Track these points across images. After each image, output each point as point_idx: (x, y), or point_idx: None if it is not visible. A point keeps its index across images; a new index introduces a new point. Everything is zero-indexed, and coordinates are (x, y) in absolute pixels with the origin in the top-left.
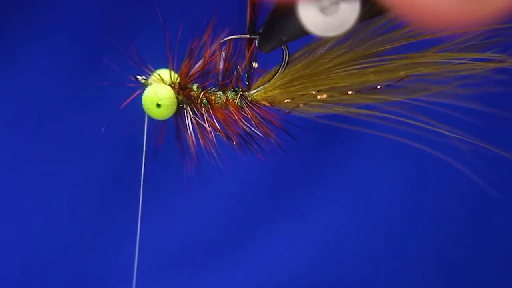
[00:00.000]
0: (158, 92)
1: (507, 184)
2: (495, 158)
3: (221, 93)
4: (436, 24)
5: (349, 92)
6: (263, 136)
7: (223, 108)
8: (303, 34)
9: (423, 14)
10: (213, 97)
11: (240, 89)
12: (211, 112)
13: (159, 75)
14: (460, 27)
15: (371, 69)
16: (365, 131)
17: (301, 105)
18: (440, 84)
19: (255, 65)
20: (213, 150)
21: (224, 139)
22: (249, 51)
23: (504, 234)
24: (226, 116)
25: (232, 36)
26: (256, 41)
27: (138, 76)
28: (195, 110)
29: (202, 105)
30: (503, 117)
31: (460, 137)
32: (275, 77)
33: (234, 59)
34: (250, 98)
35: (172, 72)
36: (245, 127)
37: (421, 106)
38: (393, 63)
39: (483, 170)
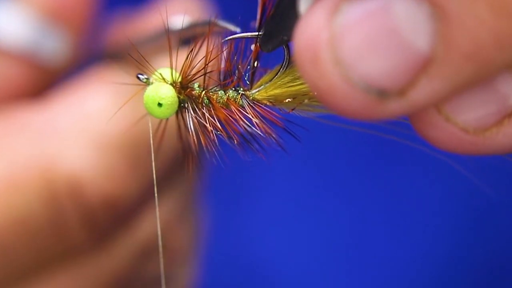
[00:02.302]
0: (160, 91)
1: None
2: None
3: (223, 92)
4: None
5: None
6: (265, 136)
7: (224, 107)
8: None
9: (333, 106)
10: (214, 96)
11: (241, 88)
12: (212, 111)
13: (160, 74)
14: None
15: None
16: (365, 131)
17: (302, 105)
18: None
19: (256, 64)
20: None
21: (225, 138)
22: (255, 50)
23: None
24: (227, 115)
25: (234, 36)
26: (258, 41)
27: (139, 75)
28: (196, 109)
29: (204, 104)
30: None
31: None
32: (276, 76)
33: (235, 58)
34: (251, 97)
35: (174, 71)
36: (246, 126)
37: None
38: None
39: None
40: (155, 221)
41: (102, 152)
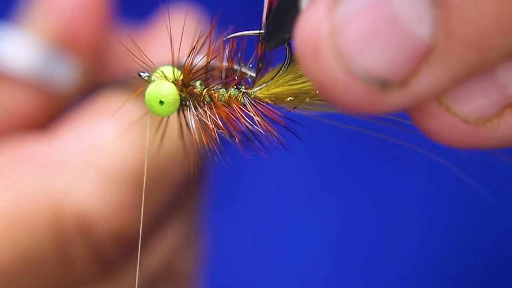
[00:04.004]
0: (161, 89)
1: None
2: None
3: (224, 90)
4: (346, 107)
5: None
6: (266, 134)
7: (226, 105)
8: None
9: (335, 100)
10: (216, 95)
11: (243, 87)
12: (214, 109)
13: (162, 72)
14: (363, 112)
15: None
16: (365, 131)
17: (304, 103)
18: None
19: (260, 63)
20: None
21: (227, 136)
22: (260, 48)
23: None
24: (229, 113)
25: (236, 34)
26: (260, 39)
27: (141, 73)
28: (198, 107)
29: (205, 102)
30: None
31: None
32: (278, 74)
33: (237, 56)
34: (253, 95)
35: (175, 69)
36: (247, 124)
37: None
38: None
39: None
40: (162, 250)
41: (110, 185)
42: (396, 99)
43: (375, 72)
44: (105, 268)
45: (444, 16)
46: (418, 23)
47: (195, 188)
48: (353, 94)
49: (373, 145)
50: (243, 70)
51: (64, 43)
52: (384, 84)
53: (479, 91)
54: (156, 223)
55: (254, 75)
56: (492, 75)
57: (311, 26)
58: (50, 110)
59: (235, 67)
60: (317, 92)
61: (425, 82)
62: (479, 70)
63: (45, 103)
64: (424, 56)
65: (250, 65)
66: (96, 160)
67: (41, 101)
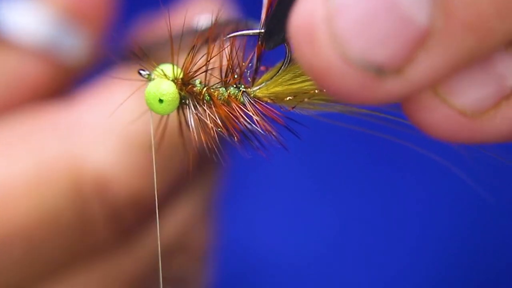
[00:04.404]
0: (161, 88)
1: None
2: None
3: (224, 89)
4: (343, 97)
5: None
6: (265, 133)
7: (225, 104)
8: None
9: (330, 87)
10: (215, 93)
11: (242, 86)
12: (213, 108)
13: (162, 70)
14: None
15: None
16: (364, 131)
17: (303, 103)
18: None
19: (258, 62)
20: None
21: (226, 135)
22: (259, 48)
23: None
24: (228, 112)
25: (236, 33)
26: (259, 38)
27: (141, 71)
28: (197, 106)
29: (205, 101)
30: None
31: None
32: (277, 74)
33: (237, 55)
34: (252, 94)
35: (175, 68)
36: (247, 123)
37: None
38: None
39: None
40: (175, 222)
41: (128, 150)
42: (391, 87)
43: (371, 57)
44: (122, 234)
45: None
46: (416, 7)
47: (209, 165)
48: (348, 81)
49: (373, 145)
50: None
51: (74, 15)
52: (379, 71)
53: (476, 82)
54: (171, 192)
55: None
56: (489, 66)
57: (306, 12)
58: (60, 80)
59: (235, 63)
60: (316, 91)
61: (422, 69)
62: (477, 57)
63: (55, 73)
64: (421, 41)
65: (250, 64)
66: (114, 125)
67: (51, 71)
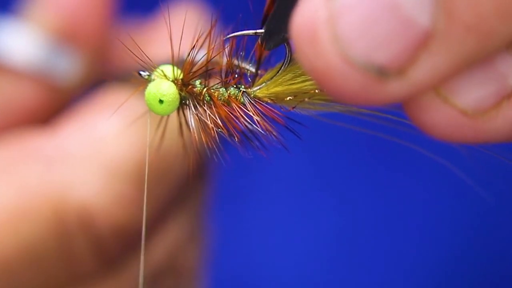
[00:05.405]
0: (161, 88)
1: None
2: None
3: (224, 89)
4: (344, 98)
5: None
6: (265, 134)
7: (225, 104)
8: None
9: (331, 88)
10: (215, 94)
11: (242, 86)
12: (214, 108)
13: (162, 71)
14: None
15: None
16: (365, 131)
17: (303, 103)
18: None
19: (259, 62)
20: None
21: (226, 136)
22: (259, 47)
23: None
24: (229, 112)
25: (236, 33)
26: (259, 38)
27: (141, 72)
28: (198, 107)
29: (205, 101)
30: None
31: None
32: (277, 74)
33: (237, 55)
34: (252, 95)
35: (175, 68)
36: (247, 124)
37: None
38: None
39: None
40: (165, 245)
41: (113, 179)
42: (393, 89)
43: (373, 59)
44: (108, 263)
45: (445, 0)
46: (418, 8)
47: (198, 183)
48: (350, 83)
49: (373, 145)
50: (244, 65)
51: (66, 36)
52: (381, 72)
53: (477, 81)
54: (159, 218)
55: (254, 70)
56: (490, 65)
57: (308, 13)
58: (53, 104)
59: (235, 63)
60: (316, 91)
61: (424, 70)
62: (478, 58)
63: (48, 96)
64: (423, 43)
65: (250, 64)
66: (98, 154)
67: (44, 95)
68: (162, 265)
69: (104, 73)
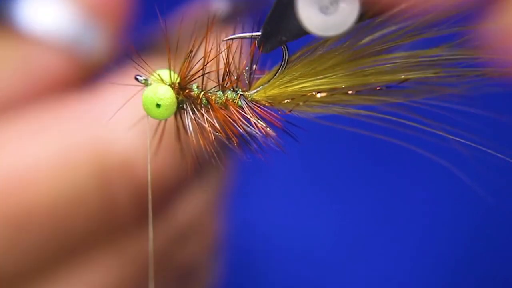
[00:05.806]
0: (158, 92)
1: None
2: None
3: (221, 93)
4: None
5: (349, 92)
6: (263, 136)
7: (223, 108)
8: (303, 34)
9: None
10: (213, 97)
11: (240, 89)
12: (211, 112)
13: (159, 75)
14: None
15: (371, 70)
16: (364, 133)
17: (301, 105)
18: (441, 86)
19: (255, 65)
20: None
21: (224, 139)
22: (252, 51)
23: None
24: (226, 116)
25: (233, 36)
26: (256, 41)
27: (138, 77)
28: (195, 110)
29: (202, 105)
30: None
31: (461, 141)
32: (275, 77)
33: (234, 59)
34: (250, 98)
35: (172, 72)
36: (245, 127)
37: (422, 108)
38: (394, 63)
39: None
40: (189, 210)
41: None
42: None
43: None
44: (143, 215)
45: None
46: None
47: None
48: None
49: (372, 146)
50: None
51: (94, 11)
52: None
53: None
54: (186, 182)
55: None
56: None
57: None
58: (80, 75)
59: (233, 66)
60: (313, 93)
61: None
62: None
63: (75, 68)
64: None
65: (247, 68)
66: (136, 114)
67: (71, 66)
68: (184, 227)
69: (130, 47)
